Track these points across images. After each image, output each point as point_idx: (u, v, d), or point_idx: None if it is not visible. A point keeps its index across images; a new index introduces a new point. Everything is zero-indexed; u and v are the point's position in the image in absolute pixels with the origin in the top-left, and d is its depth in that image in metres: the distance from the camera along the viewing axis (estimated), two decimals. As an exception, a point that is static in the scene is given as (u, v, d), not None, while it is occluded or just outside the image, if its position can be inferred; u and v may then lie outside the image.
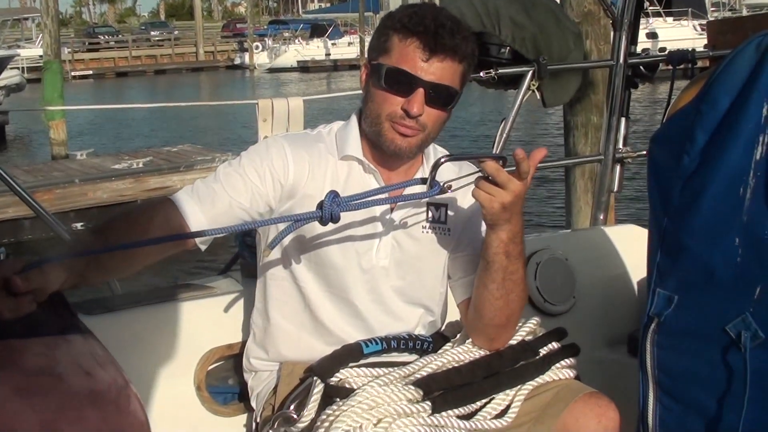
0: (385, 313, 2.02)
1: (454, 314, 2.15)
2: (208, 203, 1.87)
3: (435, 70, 1.85)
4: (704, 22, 30.31)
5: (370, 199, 1.83)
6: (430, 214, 2.03)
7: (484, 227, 1.93)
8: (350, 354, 1.95)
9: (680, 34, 30.21)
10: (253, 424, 2.10)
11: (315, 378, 1.88)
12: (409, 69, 1.84)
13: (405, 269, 2.02)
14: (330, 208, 1.75)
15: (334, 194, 1.76)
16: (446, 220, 2.05)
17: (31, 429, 1.37)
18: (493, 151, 3.02)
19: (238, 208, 1.89)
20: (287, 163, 1.93)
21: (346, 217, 1.84)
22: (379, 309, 2.01)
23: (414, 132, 1.89)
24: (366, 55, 1.99)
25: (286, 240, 1.95)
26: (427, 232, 2.04)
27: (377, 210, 1.97)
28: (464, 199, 2.02)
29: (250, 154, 1.95)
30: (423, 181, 1.89)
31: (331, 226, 1.83)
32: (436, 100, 1.87)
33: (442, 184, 1.84)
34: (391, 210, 2.00)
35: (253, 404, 2.12)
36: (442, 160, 1.85)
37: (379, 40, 1.91)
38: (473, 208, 2.00)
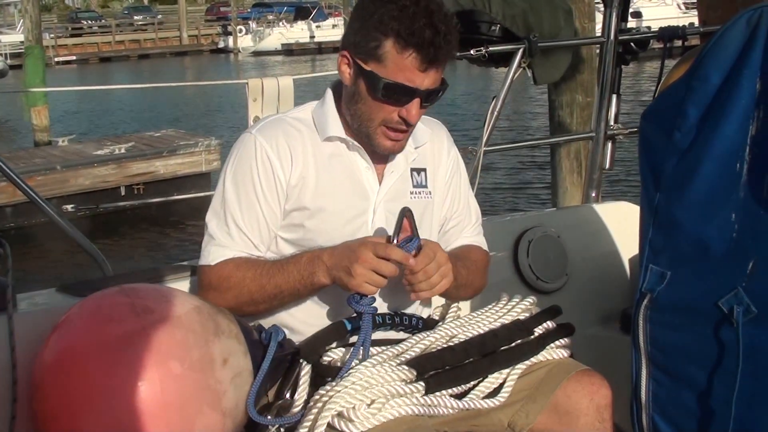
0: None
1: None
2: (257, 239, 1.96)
3: (431, 76, 1.87)
4: (689, 1, 30.31)
5: None
6: (414, 180, 2.07)
7: (462, 199, 2.08)
8: (335, 332, 1.93)
9: (664, 13, 30.19)
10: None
11: (301, 360, 1.87)
12: (407, 82, 1.85)
13: None
14: None
15: None
16: (426, 183, 2.08)
17: None
18: (485, 128, 3.12)
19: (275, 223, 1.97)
20: (276, 167, 1.94)
21: (339, 194, 1.93)
22: None
23: (405, 135, 1.95)
24: (347, 46, 1.92)
25: (281, 228, 1.97)
26: (414, 197, 2.06)
27: (366, 185, 2.00)
28: (439, 160, 2.11)
29: (243, 184, 1.94)
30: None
31: (322, 205, 1.92)
32: (429, 102, 1.91)
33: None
34: (380, 183, 2.01)
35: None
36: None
37: (368, 43, 1.85)
38: (448, 173, 2.13)
